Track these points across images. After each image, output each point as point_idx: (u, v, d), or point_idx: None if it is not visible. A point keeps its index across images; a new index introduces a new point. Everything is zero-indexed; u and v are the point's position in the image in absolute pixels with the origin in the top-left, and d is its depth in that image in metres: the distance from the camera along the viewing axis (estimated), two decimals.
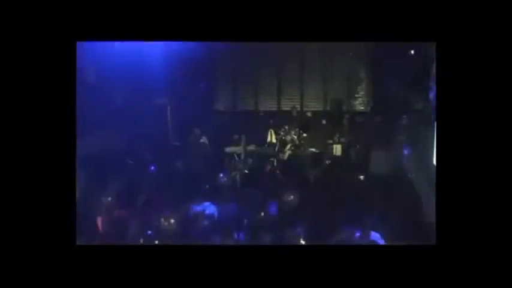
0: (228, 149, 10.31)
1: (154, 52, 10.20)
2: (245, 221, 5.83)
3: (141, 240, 5.03)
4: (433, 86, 6.88)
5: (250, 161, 9.61)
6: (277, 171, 8.15)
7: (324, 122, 11.51)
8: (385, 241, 5.16)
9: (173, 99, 11.76)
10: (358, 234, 5.35)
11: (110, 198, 6.17)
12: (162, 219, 5.30)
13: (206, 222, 5.70)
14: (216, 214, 5.95)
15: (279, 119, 11.61)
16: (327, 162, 8.81)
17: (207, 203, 6.17)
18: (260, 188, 7.07)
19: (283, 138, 10.77)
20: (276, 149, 10.50)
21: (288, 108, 12.19)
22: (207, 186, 6.84)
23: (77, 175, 3.64)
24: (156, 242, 5.03)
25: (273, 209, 5.94)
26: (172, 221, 5.33)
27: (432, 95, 7.16)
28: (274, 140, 10.95)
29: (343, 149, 10.24)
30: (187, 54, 10.23)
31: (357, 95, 12.63)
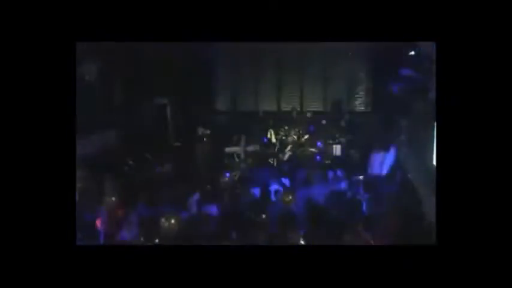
0: (228, 149, 10.31)
1: None
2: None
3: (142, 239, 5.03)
4: (432, 85, 6.88)
5: (250, 161, 9.62)
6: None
7: (323, 122, 11.51)
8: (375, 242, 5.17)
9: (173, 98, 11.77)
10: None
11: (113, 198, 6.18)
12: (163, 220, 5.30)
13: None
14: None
15: (279, 119, 11.61)
16: (327, 162, 8.82)
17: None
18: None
19: (283, 138, 10.77)
20: (276, 149, 10.50)
21: (288, 109, 12.19)
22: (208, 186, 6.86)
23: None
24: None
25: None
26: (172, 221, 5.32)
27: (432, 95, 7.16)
28: (274, 140, 10.95)
29: (343, 149, 10.24)
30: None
31: (357, 95, 12.63)
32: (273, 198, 6.82)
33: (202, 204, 6.51)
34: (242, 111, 12.74)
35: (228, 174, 7.18)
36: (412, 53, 8.87)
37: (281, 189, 6.94)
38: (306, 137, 10.72)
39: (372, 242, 5.09)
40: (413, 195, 6.84)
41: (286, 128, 10.91)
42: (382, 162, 8.73)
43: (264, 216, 5.72)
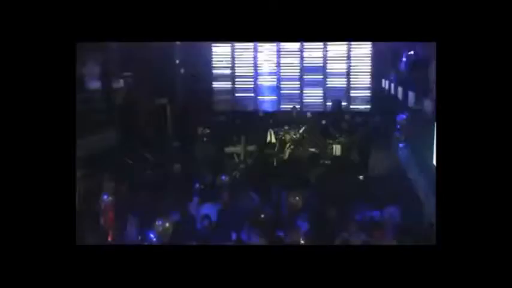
0: (228, 150, 10.30)
1: None
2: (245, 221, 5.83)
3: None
4: (432, 85, 6.89)
5: (250, 161, 9.61)
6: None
7: (323, 122, 11.51)
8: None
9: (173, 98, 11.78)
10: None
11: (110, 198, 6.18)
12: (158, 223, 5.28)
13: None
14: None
15: (279, 119, 11.61)
16: (327, 162, 8.81)
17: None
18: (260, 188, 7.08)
19: (283, 138, 10.77)
20: (276, 149, 10.49)
21: (288, 109, 12.21)
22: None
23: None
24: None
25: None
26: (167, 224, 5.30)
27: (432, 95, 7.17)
28: (274, 140, 10.94)
29: (342, 149, 10.24)
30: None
31: (357, 95, 12.65)
32: (274, 198, 6.82)
33: (201, 204, 6.51)
34: (242, 111, 12.75)
35: (223, 177, 7.17)
36: (412, 52, 8.89)
37: (282, 189, 6.92)
38: (302, 130, 10.71)
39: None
40: (413, 195, 6.85)
41: (286, 128, 10.91)
42: (382, 162, 8.74)
43: (263, 216, 5.71)
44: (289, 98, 12.91)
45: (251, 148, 10.29)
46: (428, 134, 6.12)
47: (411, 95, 8.59)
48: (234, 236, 5.54)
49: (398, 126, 8.96)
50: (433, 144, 5.49)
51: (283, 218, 6.04)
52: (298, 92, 12.96)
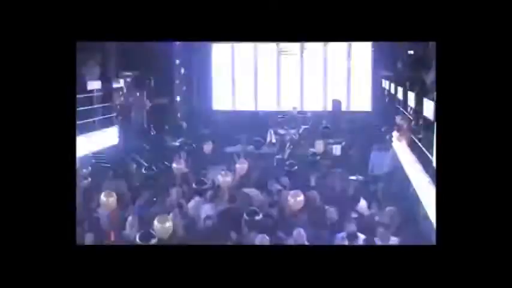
0: (228, 149, 10.31)
1: None
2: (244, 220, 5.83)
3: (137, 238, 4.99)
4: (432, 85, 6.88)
5: (250, 161, 9.59)
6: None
7: (323, 122, 11.52)
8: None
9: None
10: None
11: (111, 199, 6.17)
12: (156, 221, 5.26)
13: None
14: None
15: (279, 119, 11.61)
16: (327, 162, 8.80)
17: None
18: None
19: (283, 138, 10.78)
20: (276, 149, 10.50)
21: (288, 108, 12.21)
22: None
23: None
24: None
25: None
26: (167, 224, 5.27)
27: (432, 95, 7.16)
28: (274, 140, 10.95)
29: (342, 149, 10.24)
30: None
31: (356, 95, 12.65)
32: (274, 198, 6.81)
33: (201, 204, 6.51)
34: (242, 111, 12.75)
35: (224, 177, 7.15)
36: (412, 52, 8.89)
37: (282, 189, 6.92)
38: (302, 130, 10.71)
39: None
40: (413, 195, 6.84)
41: (286, 128, 10.91)
42: (382, 162, 8.74)
43: (263, 216, 5.70)
44: (289, 98, 12.90)
45: (251, 148, 10.29)
46: (428, 134, 6.12)
47: (411, 95, 8.58)
48: (234, 236, 5.54)
49: (398, 127, 8.95)
50: (433, 144, 5.48)
51: (284, 218, 6.02)
52: (299, 91, 12.95)
